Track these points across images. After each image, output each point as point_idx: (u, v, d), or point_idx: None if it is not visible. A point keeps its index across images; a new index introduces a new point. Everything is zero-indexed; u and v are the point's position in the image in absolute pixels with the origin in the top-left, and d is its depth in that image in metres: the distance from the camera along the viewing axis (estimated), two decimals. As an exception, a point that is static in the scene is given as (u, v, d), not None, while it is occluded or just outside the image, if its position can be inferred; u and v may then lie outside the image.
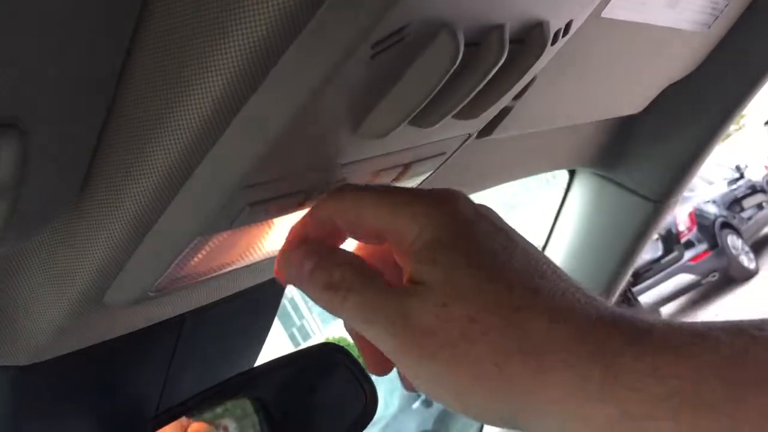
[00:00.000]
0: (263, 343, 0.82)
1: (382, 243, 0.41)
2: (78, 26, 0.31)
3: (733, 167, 9.80)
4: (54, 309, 0.46)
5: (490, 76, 0.44)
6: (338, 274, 0.39)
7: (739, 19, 0.99)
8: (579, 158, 1.15)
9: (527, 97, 0.71)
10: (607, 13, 0.70)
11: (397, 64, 0.39)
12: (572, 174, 1.23)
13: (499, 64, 0.43)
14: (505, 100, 0.56)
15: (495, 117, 0.72)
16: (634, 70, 0.90)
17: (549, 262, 0.38)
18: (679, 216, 8.28)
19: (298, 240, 0.44)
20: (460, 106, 0.46)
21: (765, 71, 1.07)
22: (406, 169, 0.54)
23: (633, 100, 0.98)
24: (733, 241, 8.28)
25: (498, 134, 0.74)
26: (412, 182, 0.59)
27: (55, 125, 0.35)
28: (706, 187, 8.95)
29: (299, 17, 0.33)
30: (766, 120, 8.75)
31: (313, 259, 0.40)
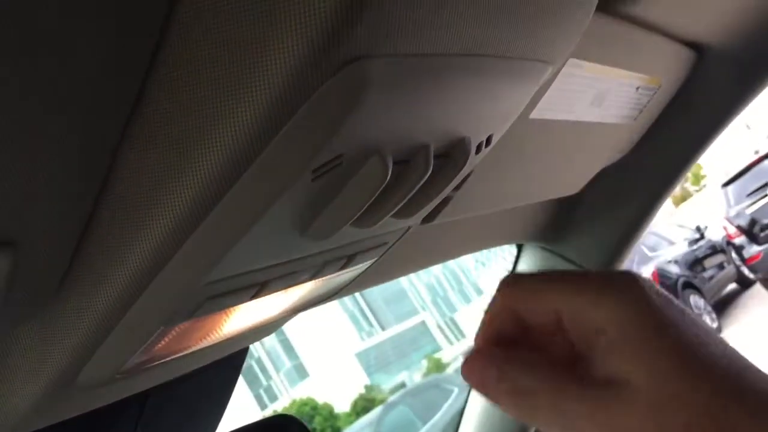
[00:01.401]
0: (223, 412, 0.87)
1: (559, 326, 0.38)
2: (68, 150, 0.38)
3: (694, 228, 10.05)
4: (30, 391, 0.51)
5: (420, 185, 0.52)
6: (525, 380, 0.37)
7: (665, 108, 1.09)
8: (525, 234, 1.23)
9: (466, 186, 0.79)
10: (535, 115, 0.79)
11: (335, 183, 0.46)
12: (520, 248, 1.31)
13: (426, 177, 0.51)
14: (439, 199, 0.63)
15: (436, 206, 0.79)
16: (568, 158, 0.99)
17: (722, 340, 0.36)
18: (643, 276, 8.43)
19: (481, 345, 0.41)
20: (395, 210, 0.53)
21: (692, 154, 1.17)
22: (350, 259, 0.61)
23: (569, 183, 1.07)
24: (695, 300, 8.44)
25: (440, 220, 0.81)
26: (357, 269, 0.66)
27: (43, 236, 0.42)
28: (667, 247, 9.16)
29: (249, 153, 0.40)
30: (722, 182, 9.03)
31: (495, 367, 0.38)
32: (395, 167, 0.49)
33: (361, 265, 0.66)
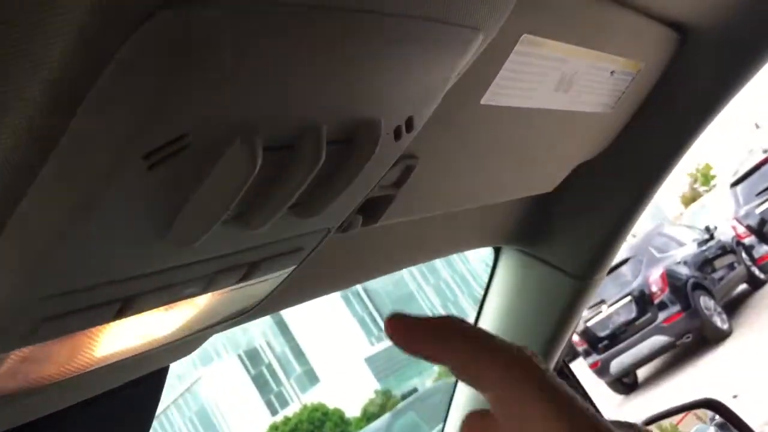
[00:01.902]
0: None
1: None
2: None
3: (703, 228, 9.90)
4: None
5: (312, 176, 0.42)
6: None
7: (647, 96, 1.00)
8: (500, 236, 1.14)
9: (412, 183, 0.69)
10: (486, 100, 0.69)
11: (188, 173, 0.37)
12: (497, 251, 1.22)
13: (318, 166, 0.42)
14: (357, 196, 0.54)
15: (378, 205, 0.70)
16: (537, 152, 0.90)
17: None
18: (652, 277, 8.32)
19: None
20: (285, 207, 0.44)
21: (678, 147, 1.07)
22: (253, 268, 0.52)
23: (541, 180, 0.98)
24: (705, 302, 8.30)
25: (385, 222, 0.72)
26: (270, 278, 0.57)
27: None
28: (677, 248, 9.02)
29: (48, 133, 0.31)
30: (731, 182, 8.89)
31: None
32: (276, 153, 0.40)
33: (274, 274, 0.57)
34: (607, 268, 1.19)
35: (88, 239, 0.36)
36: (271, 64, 0.35)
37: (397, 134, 0.49)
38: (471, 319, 1.30)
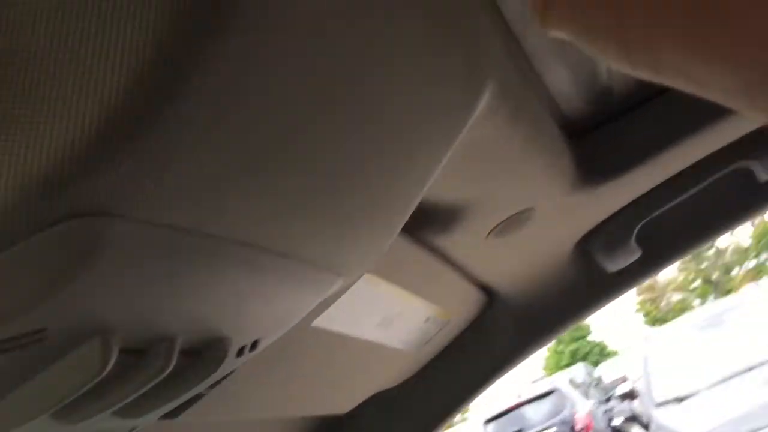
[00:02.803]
0: None
1: None
2: None
3: (453, 457, 10.23)
4: None
5: (155, 382, 0.41)
6: None
7: (449, 344, 1.07)
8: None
9: (225, 386, 0.68)
10: (318, 323, 0.72)
11: (33, 361, 0.35)
12: None
13: (165, 374, 0.41)
14: (182, 399, 0.53)
15: (185, 402, 0.68)
16: (343, 375, 0.92)
17: None
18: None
19: None
20: (117, 407, 0.42)
21: (466, 395, 1.15)
22: None
23: (339, 402, 0.99)
24: None
25: (186, 419, 0.69)
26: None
27: None
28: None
29: None
30: (486, 419, 9.41)
31: None
32: (125, 356, 0.39)
33: None
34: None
35: None
36: (148, 278, 0.36)
37: (240, 353, 0.49)
38: None
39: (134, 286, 0.35)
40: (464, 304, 1.01)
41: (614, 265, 1.04)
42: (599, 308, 1.08)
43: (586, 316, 1.08)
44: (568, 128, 0.82)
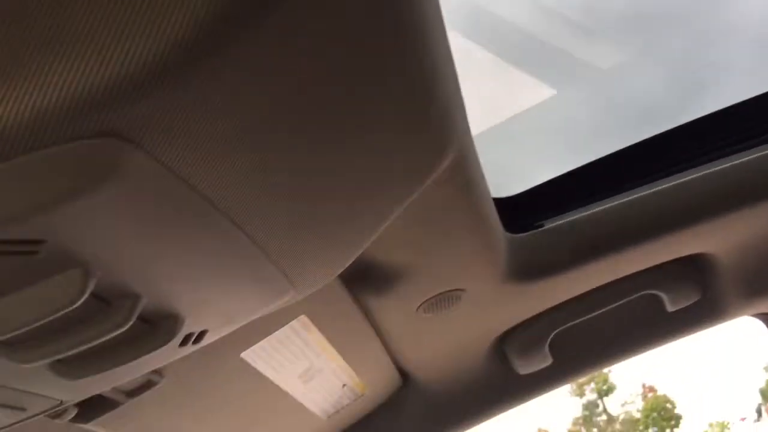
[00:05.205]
0: None
1: None
2: None
3: None
4: None
5: (107, 338, 0.43)
6: None
7: (356, 422, 1.08)
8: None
9: (143, 400, 0.68)
10: (245, 356, 0.73)
11: (20, 274, 0.36)
12: None
13: (123, 328, 0.43)
14: (109, 382, 0.53)
15: (97, 406, 0.67)
16: (254, 423, 0.92)
17: None
18: None
19: None
20: (66, 352, 0.43)
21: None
22: None
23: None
24: None
25: (94, 426, 0.68)
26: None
27: None
28: None
29: None
30: None
31: None
32: (91, 299, 0.40)
33: None
34: None
35: None
36: (143, 224, 0.39)
37: (186, 340, 0.51)
38: None
39: (127, 226, 0.38)
40: (380, 381, 1.03)
41: (526, 368, 1.09)
42: (508, 408, 1.11)
43: (495, 414, 1.11)
44: (506, 221, 0.88)
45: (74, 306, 0.38)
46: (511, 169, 1.08)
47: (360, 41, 0.39)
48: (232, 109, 0.36)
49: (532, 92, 1.16)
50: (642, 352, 1.12)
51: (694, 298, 1.08)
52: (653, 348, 1.12)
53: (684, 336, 1.13)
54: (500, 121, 1.14)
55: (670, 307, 1.08)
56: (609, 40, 1.31)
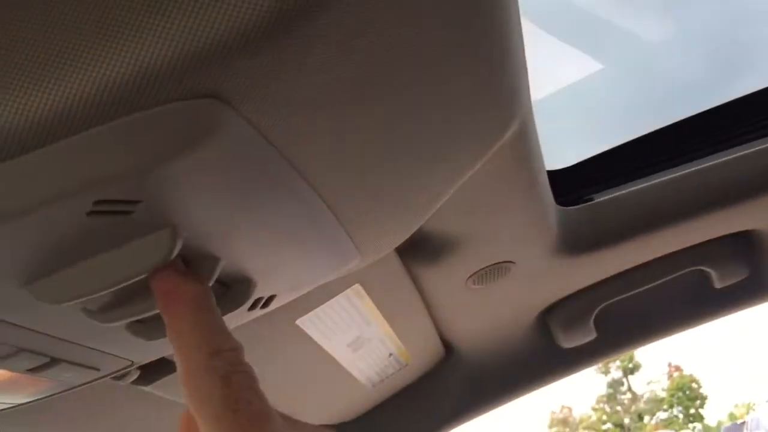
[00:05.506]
0: None
1: None
2: None
3: None
4: None
5: None
6: None
7: (401, 389, 1.09)
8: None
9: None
10: (300, 323, 0.74)
11: (110, 235, 0.37)
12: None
13: (207, 284, 0.43)
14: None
15: (157, 369, 0.68)
16: (303, 390, 0.93)
17: None
18: None
19: None
20: (148, 312, 0.44)
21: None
22: (51, 364, 0.48)
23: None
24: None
25: (153, 388, 0.70)
26: (42, 389, 0.53)
27: None
28: None
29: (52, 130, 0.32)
30: None
31: None
32: (175, 260, 0.41)
33: (51, 384, 0.52)
34: None
35: None
36: (234, 189, 0.39)
37: (255, 305, 0.52)
38: None
39: (215, 188, 0.38)
40: (425, 351, 1.03)
41: (569, 342, 1.09)
42: (549, 382, 1.12)
43: (536, 388, 1.11)
44: (557, 194, 0.88)
45: (171, 258, 0.39)
46: (559, 142, 1.07)
47: (445, 12, 0.39)
48: (324, 76, 0.36)
49: (582, 66, 1.15)
50: (688, 328, 1.12)
51: (742, 275, 1.07)
52: (699, 324, 1.12)
53: (730, 313, 1.12)
54: (547, 94, 1.13)
55: (718, 284, 1.07)
56: (657, 14, 1.28)
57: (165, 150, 0.34)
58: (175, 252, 0.39)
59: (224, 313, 0.48)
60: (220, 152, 0.35)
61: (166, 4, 0.31)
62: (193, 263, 0.43)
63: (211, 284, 0.43)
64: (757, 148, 0.97)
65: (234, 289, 0.48)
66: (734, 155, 0.97)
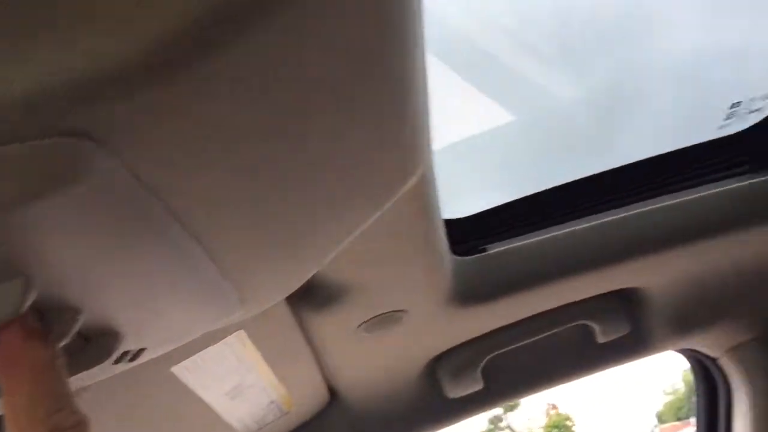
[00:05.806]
0: None
1: None
2: None
3: None
4: None
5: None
6: None
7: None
8: None
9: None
10: (175, 371, 0.69)
11: None
12: None
13: (63, 342, 0.38)
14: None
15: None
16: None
17: None
18: None
19: None
20: None
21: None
22: None
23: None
24: None
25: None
26: None
27: None
28: None
29: None
30: None
31: None
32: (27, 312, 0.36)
33: None
34: None
35: None
36: (99, 239, 0.35)
37: (121, 358, 0.47)
38: None
39: (78, 234, 0.34)
40: (308, 398, 0.99)
41: (456, 391, 1.07)
42: (434, 430, 1.10)
43: (420, 437, 1.09)
44: (453, 243, 0.87)
45: (17, 315, 0.34)
46: (457, 190, 1.07)
47: (348, 53, 0.36)
48: (209, 120, 0.32)
49: (492, 116, 1.15)
50: (571, 380, 1.13)
51: (624, 330, 1.09)
52: (582, 377, 1.13)
53: (611, 367, 1.14)
54: (452, 141, 1.13)
55: (601, 338, 1.09)
56: (571, 69, 1.32)
57: (21, 191, 0.29)
58: (26, 306, 0.34)
59: (83, 370, 0.43)
60: (87, 195, 0.31)
61: (34, 31, 0.26)
62: (49, 315, 0.38)
63: (67, 341, 0.38)
64: (640, 209, 1.00)
65: (95, 344, 0.42)
66: (620, 215, 1.00)
